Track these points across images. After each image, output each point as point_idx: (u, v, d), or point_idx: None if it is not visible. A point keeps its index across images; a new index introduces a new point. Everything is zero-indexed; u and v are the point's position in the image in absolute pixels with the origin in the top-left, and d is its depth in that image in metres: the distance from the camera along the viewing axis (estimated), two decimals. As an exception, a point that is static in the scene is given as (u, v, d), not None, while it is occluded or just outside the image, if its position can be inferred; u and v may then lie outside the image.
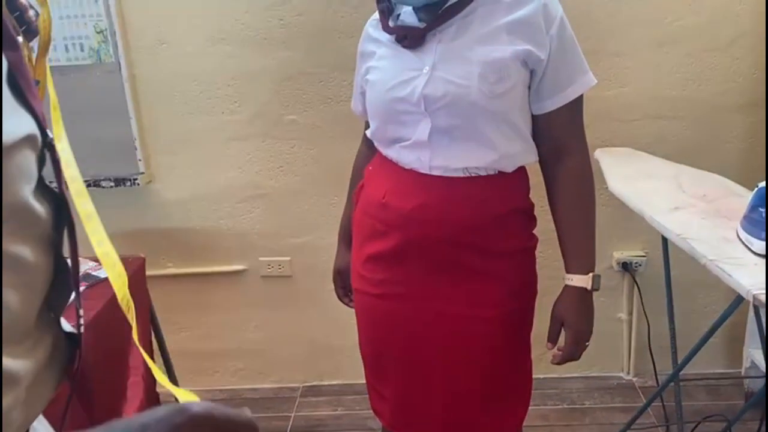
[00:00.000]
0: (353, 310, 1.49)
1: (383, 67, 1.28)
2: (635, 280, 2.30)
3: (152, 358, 2.01)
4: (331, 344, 2.43)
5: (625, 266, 2.29)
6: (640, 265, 2.29)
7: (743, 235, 1.38)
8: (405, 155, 1.27)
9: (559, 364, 1.34)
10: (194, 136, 2.24)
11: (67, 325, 0.74)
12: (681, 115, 2.16)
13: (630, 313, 2.36)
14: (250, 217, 2.34)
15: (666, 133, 2.17)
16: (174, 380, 2.10)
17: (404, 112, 1.24)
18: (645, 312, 2.31)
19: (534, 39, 1.21)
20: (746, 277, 1.24)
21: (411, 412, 1.40)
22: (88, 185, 2.20)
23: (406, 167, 1.28)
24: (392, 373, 1.41)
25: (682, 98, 2.14)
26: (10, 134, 0.60)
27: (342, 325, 1.57)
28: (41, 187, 0.67)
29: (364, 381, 1.53)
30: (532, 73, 1.24)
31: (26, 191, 0.63)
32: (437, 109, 1.21)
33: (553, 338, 1.35)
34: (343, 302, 1.59)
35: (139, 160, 2.23)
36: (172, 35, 2.15)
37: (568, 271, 1.32)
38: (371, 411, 1.55)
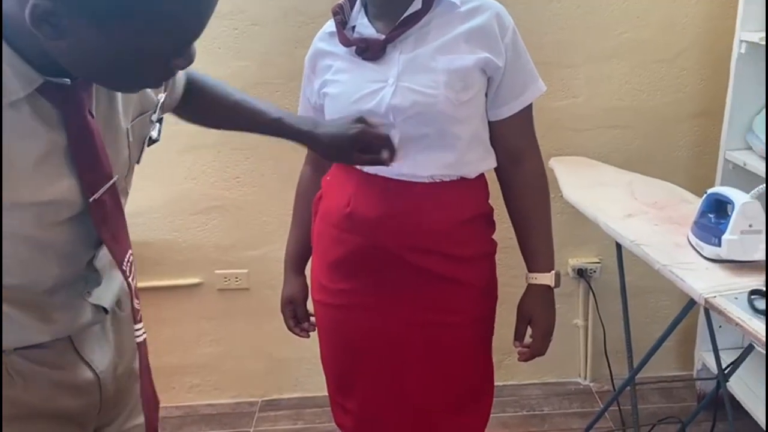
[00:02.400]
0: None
1: (344, 81, 1.27)
2: (590, 287, 2.34)
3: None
4: (289, 357, 2.39)
5: (581, 273, 2.33)
6: (594, 271, 2.33)
7: (694, 240, 1.42)
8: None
9: (526, 360, 1.38)
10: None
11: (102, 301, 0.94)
12: (631, 124, 2.21)
13: (586, 319, 2.40)
14: (205, 229, 2.30)
15: (617, 143, 2.22)
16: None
17: None
18: (600, 317, 2.36)
19: (491, 47, 1.23)
20: (698, 282, 1.27)
21: (377, 424, 1.39)
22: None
23: (371, 172, 1.27)
24: (358, 385, 1.39)
25: (632, 108, 2.20)
26: (26, 196, 0.77)
27: (301, 337, 1.54)
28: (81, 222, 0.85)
29: (324, 394, 1.51)
30: (489, 80, 1.26)
31: (31, 231, 0.81)
32: (405, 119, 1.22)
33: (520, 337, 1.38)
34: (293, 332, 1.52)
35: (90, 171, 2.17)
36: (123, 44, 2.10)
37: (531, 270, 1.35)
38: (332, 424, 1.53)
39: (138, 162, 0.97)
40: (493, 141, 1.31)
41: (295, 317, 1.52)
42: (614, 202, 1.71)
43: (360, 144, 1.13)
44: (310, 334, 1.52)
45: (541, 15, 2.10)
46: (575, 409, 2.35)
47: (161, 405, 2.51)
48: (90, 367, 0.95)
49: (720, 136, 2.07)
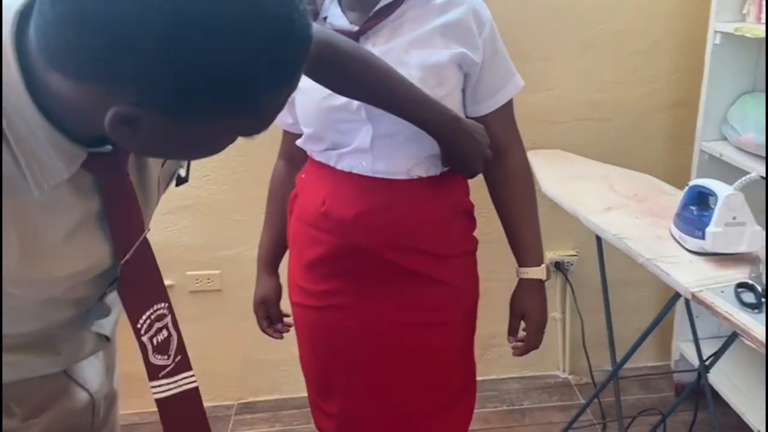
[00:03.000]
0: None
1: None
2: (567, 279, 2.34)
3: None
4: (266, 359, 2.34)
5: (558, 266, 2.32)
6: (571, 264, 2.32)
7: (677, 233, 1.41)
8: (345, 160, 1.23)
9: (521, 355, 1.36)
10: (112, 145, 2.11)
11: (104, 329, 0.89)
12: (607, 116, 2.20)
13: (564, 312, 2.39)
14: (175, 229, 2.23)
15: (593, 135, 2.21)
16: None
17: (343, 120, 1.19)
18: (578, 310, 2.35)
19: (468, 42, 1.19)
20: (684, 275, 1.26)
21: (360, 427, 1.35)
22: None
23: (345, 170, 1.23)
24: (340, 389, 1.35)
25: (608, 100, 2.19)
26: (54, 270, 0.69)
27: (275, 338, 1.50)
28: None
29: (301, 395, 1.47)
30: (466, 76, 1.22)
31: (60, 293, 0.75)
32: (379, 116, 1.17)
33: (514, 332, 1.36)
34: (267, 333, 1.48)
35: (53, 172, 2.08)
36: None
37: (521, 265, 1.32)
38: (310, 426, 1.49)
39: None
40: None
41: (269, 318, 1.48)
42: (593, 196, 1.69)
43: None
44: (285, 335, 1.49)
45: (516, 7, 2.07)
46: (555, 403, 2.34)
47: (134, 411, 2.43)
48: (84, 388, 0.90)
49: (695, 127, 2.07)
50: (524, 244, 1.32)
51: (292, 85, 0.66)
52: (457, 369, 1.36)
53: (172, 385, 0.83)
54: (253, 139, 0.70)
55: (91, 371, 0.92)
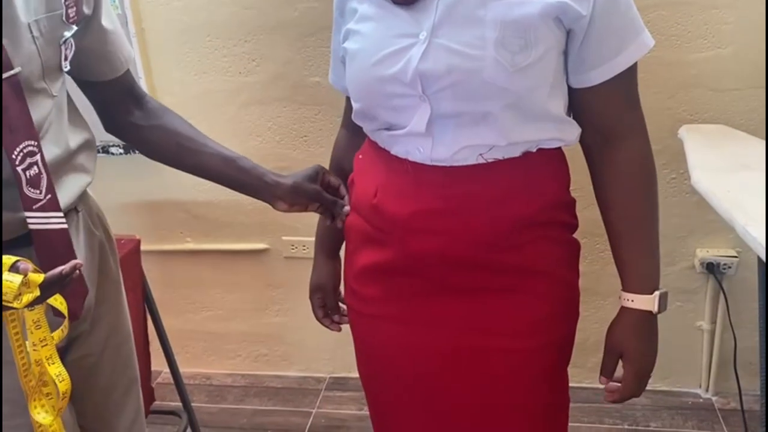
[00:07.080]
0: None
1: (367, 33, 0.96)
2: (721, 285, 1.90)
3: (148, 342, 1.81)
4: (359, 335, 2.18)
5: (711, 267, 1.89)
6: (729, 267, 1.88)
7: None
8: (399, 144, 0.97)
9: (615, 402, 1.07)
10: (209, 98, 2.00)
11: None
12: (795, 84, 1.72)
13: (713, 322, 1.97)
14: (272, 191, 2.09)
15: (774, 108, 1.74)
16: (173, 365, 1.89)
17: (395, 95, 0.93)
18: (731, 322, 1.92)
19: None
20: None
21: None
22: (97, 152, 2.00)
23: (401, 155, 0.98)
24: (397, 416, 1.14)
25: (799, 63, 1.70)
26: None
27: (334, 330, 1.36)
28: None
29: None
30: (568, 33, 0.90)
31: None
32: (439, 91, 0.90)
33: (608, 372, 1.06)
34: (323, 324, 1.31)
35: (150, 124, 2.01)
36: (182, -17, 1.90)
37: (626, 290, 1.01)
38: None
39: (66, 69, 0.96)
40: (579, 115, 0.97)
41: (325, 307, 1.31)
42: (761, 196, 1.28)
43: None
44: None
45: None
46: (690, 429, 1.96)
47: (229, 371, 2.37)
48: None
49: None
50: (631, 263, 1.00)
51: None
52: (551, 405, 1.08)
53: (44, 221, 0.90)
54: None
55: None
